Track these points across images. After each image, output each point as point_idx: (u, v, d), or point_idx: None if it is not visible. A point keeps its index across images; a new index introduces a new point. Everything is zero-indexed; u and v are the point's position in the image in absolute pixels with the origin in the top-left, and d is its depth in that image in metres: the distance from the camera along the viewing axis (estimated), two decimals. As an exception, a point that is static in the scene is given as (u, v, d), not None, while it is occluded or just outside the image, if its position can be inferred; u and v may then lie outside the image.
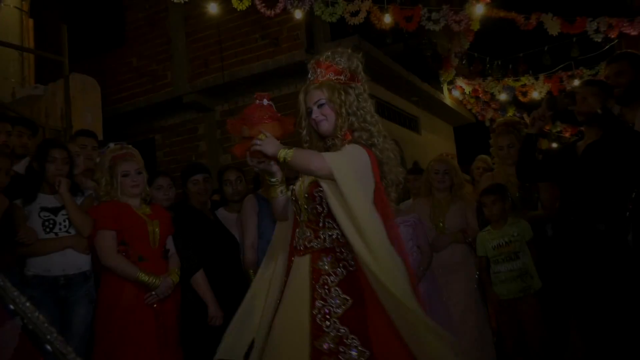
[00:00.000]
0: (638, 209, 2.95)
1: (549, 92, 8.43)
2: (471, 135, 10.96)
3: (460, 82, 9.63)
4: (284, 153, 2.28)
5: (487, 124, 9.81)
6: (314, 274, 2.35)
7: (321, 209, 2.38)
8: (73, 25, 8.46)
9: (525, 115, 8.98)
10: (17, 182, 3.43)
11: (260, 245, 3.68)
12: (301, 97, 2.52)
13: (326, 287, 2.31)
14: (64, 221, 3.34)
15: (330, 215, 2.34)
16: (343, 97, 2.42)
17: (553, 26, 6.61)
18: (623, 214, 3.03)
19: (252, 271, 3.60)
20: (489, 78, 9.24)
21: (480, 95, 9.70)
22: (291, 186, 2.55)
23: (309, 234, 2.40)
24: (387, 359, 2.20)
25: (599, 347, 3.15)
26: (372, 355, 2.20)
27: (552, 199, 4.01)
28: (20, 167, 3.78)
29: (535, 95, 8.95)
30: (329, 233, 2.37)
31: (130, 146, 3.52)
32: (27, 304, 1.04)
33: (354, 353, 2.19)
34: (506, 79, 9.09)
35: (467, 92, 9.74)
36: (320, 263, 2.36)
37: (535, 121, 3.47)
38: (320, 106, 2.43)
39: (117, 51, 8.77)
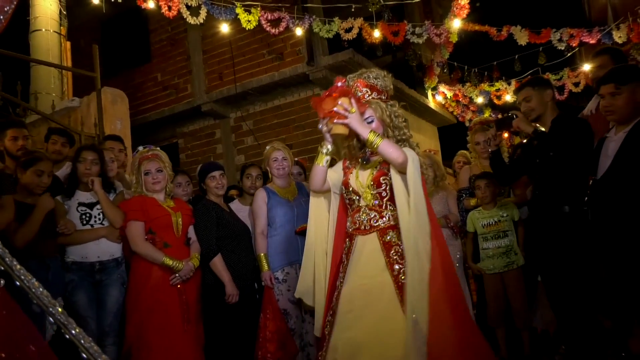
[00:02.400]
0: (595, 193, 2.94)
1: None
2: (453, 135, 10.89)
3: (443, 88, 9.59)
4: (375, 137, 2.33)
5: (467, 124, 9.77)
6: (385, 246, 2.46)
7: (385, 194, 2.49)
8: (105, 46, 8.51)
9: (499, 116, 8.95)
10: (56, 184, 3.44)
11: (269, 232, 3.69)
12: None
13: (398, 253, 2.42)
14: (99, 214, 3.35)
15: (392, 198, 2.45)
16: (389, 114, 2.52)
17: (522, 37, 6.58)
18: (583, 197, 3.03)
19: (262, 255, 3.61)
20: (468, 84, 9.21)
21: (460, 99, 9.67)
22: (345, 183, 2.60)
23: (373, 215, 2.50)
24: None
25: (562, 307, 3.17)
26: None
27: (522, 186, 4.01)
28: (62, 171, 3.78)
29: (508, 98, 8.91)
30: (391, 213, 2.47)
31: (157, 148, 3.53)
32: (22, 271, 1.02)
33: None
34: (482, 85, 9.06)
35: (449, 97, 9.69)
36: (388, 237, 2.46)
37: (492, 141, 3.51)
38: (370, 122, 2.49)
39: (144, 68, 8.77)
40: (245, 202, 4.02)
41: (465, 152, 5.09)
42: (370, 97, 2.53)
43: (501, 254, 3.91)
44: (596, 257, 2.96)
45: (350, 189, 2.56)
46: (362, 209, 2.53)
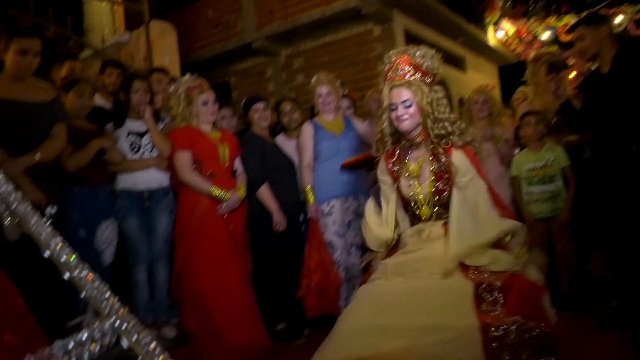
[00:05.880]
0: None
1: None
2: (514, 75, 10.39)
3: (504, 23, 9.05)
4: None
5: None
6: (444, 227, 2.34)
7: (440, 203, 2.35)
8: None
9: (565, 55, 8.40)
10: (105, 114, 3.53)
11: (315, 166, 3.67)
12: (385, 91, 2.35)
13: None
14: (148, 143, 3.41)
15: (447, 207, 2.32)
16: (430, 100, 2.29)
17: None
18: None
19: (308, 188, 3.61)
20: (532, 18, 8.63)
21: (523, 36, 9.10)
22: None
23: (437, 222, 2.36)
24: None
25: (619, 261, 3.04)
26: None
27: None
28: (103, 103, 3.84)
29: (577, 33, 8.31)
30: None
31: (201, 77, 3.52)
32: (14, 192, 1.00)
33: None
34: (549, 19, 8.47)
35: (511, 33, 9.16)
36: None
37: (553, 90, 3.35)
38: (407, 106, 2.29)
39: (194, 5, 8.74)
40: (291, 136, 3.99)
41: (525, 88, 4.82)
42: (412, 78, 2.29)
43: (547, 199, 3.75)
44: None
45: (407, 203, 2.42)
46: (423, 215, 2.41)
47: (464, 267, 2.31)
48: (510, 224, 2.29)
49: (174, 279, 3.33)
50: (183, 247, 3.28)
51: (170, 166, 3.40)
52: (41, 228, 0.89)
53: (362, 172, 3.74)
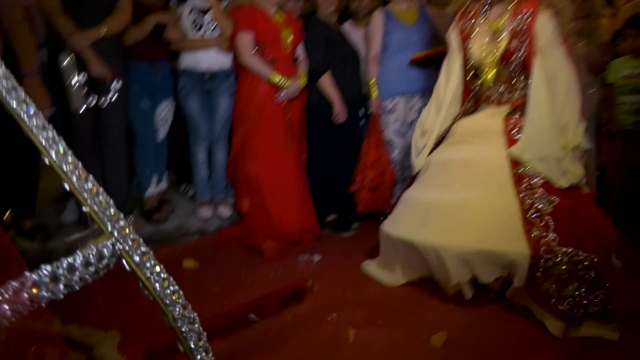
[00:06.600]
0: None
1: None
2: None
3: None
4: None
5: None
6: (506, 122, 2.39)
7: (515, 66, 2.35)
8: None
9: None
10: None
11: (383, 58, 3.47)
12: None
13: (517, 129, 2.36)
14: (210, 21, 3.32)
15: (522, 73, 2.33)
16: None
17: None
18: None
19: (373, 81, 3.45)
20: None
21: None
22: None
23: (503, 89, 2.41)
24: None
25: None
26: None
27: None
28: None
29: None
30: (525, 84, 2.36)
31: None
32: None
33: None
34: None
35: None
36: (513, 113, 2.40)
37: None
38: None
39: None
40: (359, 24, 3.75)
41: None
42: None
43: (636, 110, 3.42)
44: None
45: (472, 62, 2.37)
46: (490, 79, 2.38)
47: (518, 178, 2.24)
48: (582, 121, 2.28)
49: (231, 161, 3.41)
50: (240, 131, 3.31)
51: (232, 48, 3.32)
52: (41, 133, 0.77)
53: (431, 69, 3.50)
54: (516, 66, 2.36)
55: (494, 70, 2.32)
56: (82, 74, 2.80)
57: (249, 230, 3.28)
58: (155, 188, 3.38)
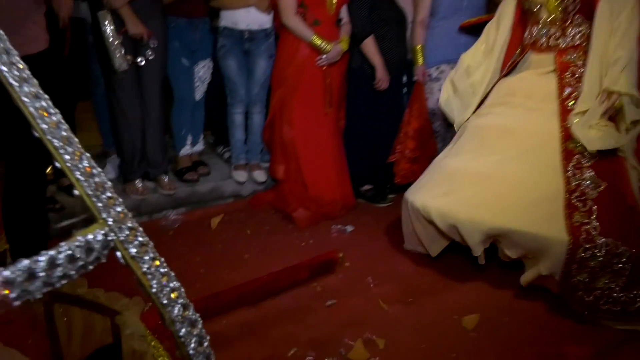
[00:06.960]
0: None
1: None
2: None
3: None
4: None
5: None
6: (561, 67, 2.27)
7: (572, 7, 2.24)
8: None
9: None
10: None
11: (431, 23, 3.29)
12: None
13: (575, 75, 2.24)
14: (251, -21, 3.21)
15: (582, 10, 2.22)
16: None
17: None
18: None
19: (419, 47, 3.29)
20: None
21: None
22: None
23: (554, 32, 2.29)
24: None
25: None
26: None
27: None
28: None
29: None
30: (577, 30, 2.27)
31: None
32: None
33: None
34: None
35: None
36: (569, 57, 2.28)
37: None
38: None
39: None
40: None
41: None
42: None
43: None
44: None
45: (527, 5, 2.27)
46: (542, 22, 2.24)
47: (567, 154, 2.11)
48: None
49: (267, 125, 3.36)
50: (278, 94, 3.24)
51: (273, 8, 3.22)
52: (32, 102, 0.67)
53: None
54: (575, 4, 2.24)
55: (554, 5, 2.23)
56: (121, 32, 2.78)
57: (282, 198, 3.25)
58: (190, 148, 3.37)
